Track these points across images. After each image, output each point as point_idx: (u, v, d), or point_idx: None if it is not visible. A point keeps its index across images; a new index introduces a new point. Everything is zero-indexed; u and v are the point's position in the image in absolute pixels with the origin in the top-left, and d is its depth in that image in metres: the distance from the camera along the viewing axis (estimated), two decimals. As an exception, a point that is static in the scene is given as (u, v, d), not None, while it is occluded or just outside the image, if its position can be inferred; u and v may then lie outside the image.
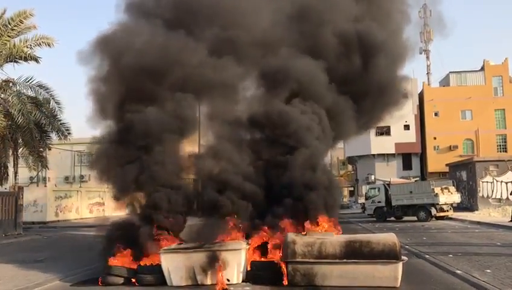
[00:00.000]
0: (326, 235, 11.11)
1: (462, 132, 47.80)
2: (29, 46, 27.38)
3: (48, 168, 32.56)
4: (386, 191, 32.11)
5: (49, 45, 27.75)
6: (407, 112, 46.37)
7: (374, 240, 10.65)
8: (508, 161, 36.50)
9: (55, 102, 27.97)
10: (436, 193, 29.39)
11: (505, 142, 47.77)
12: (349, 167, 61.16)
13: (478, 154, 44.80)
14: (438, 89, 51.68)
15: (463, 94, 47.95)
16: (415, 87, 48.91)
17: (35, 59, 27.74)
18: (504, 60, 48.79)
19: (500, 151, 46.65)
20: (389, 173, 45.94)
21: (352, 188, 59.72)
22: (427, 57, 54.55)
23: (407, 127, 49.14)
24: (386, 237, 10.86)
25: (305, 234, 11.29)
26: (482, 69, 49.24)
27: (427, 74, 54.61)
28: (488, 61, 49.04)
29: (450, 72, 50.67)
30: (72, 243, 22.32)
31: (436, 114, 49.00)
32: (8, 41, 26.78)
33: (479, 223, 26.93)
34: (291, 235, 11.14)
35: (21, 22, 26.96)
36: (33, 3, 62.65)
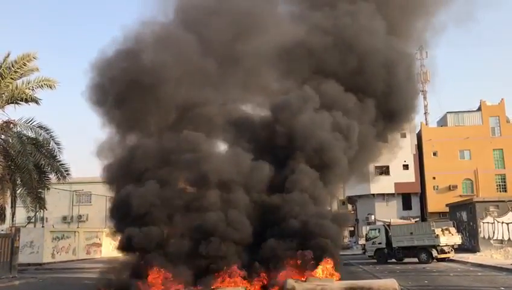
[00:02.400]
0: (327, 281, 10.98)
1: (461, 171, 47.82)
2: (31, 88, 27.77)
3: (46, 209, 32.37)
4: (387, 232, 31.81)
5: (50, 87, 28.17)
6: (406, 151, 46.68)
7: (375, 286, 10.52)
8: (509, 201, 36.34)
9: (55, 143, 28.14)
10: (437, 234, 29.12)
11: (504, 182, 47.71)
12: (349, 207, 60.77)
13: (478, 195, 44.67)
14: (436, 129, 52.05)
15: (461, 134, 48.26)
16: (413, 127, 49.25)
17: (36, 101, 28.08)
18: (500, 101, 49.38)
19: (500, 191, 46.52)
20: (389, 213, 45.64)
21: (352, 228, 59.15)
22: (424, 97, 55.06)
23: (406, 166, 49.17)
24: (386, 283, 10.74)
25: (305, 280, 11.14)
26: (479, 109, 49.72)
27: (425, 113, 55.01)
28: (484, 101, 49.59)
29: (447, 112, 51.18)
30: (67, 287, 21.93)
31: (434, 154, 49.16)
32: (11, 83, 27.17)
33: (481, 265, 26.54)
34: (290, 282, 11.00)
35: (24, 64, 27.45)
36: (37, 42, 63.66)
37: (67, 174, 28.85)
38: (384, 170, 48.98)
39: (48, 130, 27.91)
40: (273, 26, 19.16)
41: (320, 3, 21.53)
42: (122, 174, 16.47)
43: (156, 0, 24.45)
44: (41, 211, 33.30)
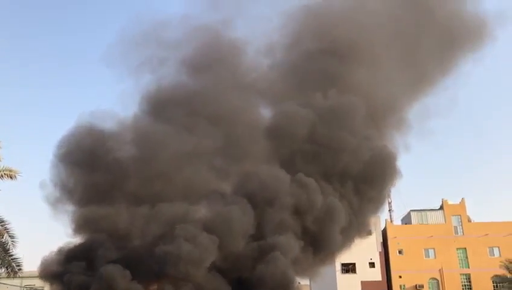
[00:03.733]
0: None
1: (426, 270, 47.64)
2: (-10, 178, 26.78)
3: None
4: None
5: (11, 177, 27.26)
6: (372, 249, 46.52)
7: None
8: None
9: (9, 236, 26.68)
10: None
11: (469, 281, 47.60)
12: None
13: (444, 295, 44.18)
14: (401, 226, 52.43)
15: (425, 232, 48.74)
16: (379, 224, 49.55)
17: (-6, 191, 26.98)
18: (461, 200, 50.65)
19: (466, 291, 46.24)
20: (356, 313, 44.30)
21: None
22: (388, 195, 56.02)
23: (372, 264, 48.70)
24: None
25: None
26: (441, 207, 50.74)
27: (389, 211, 55.58)
28: (446, 200, 50.81)
29: (411, 210, 51.95)
30: None
31: (400, 252, 49.11)
32: (-32, 171, 26.19)
33: None
34: None
35: (-15, 153, 26.68)
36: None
37: (19, 269, 27.09)
38: (351, 268, 48.29)
39: (2, 221, 26.59)
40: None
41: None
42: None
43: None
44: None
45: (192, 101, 20.96)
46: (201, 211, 19.01)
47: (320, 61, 23.30)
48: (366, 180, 21.29)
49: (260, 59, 26.08)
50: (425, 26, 27.36)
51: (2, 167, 27.60)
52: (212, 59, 23.48)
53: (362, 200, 21.83)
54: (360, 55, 24.71)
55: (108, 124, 23.07)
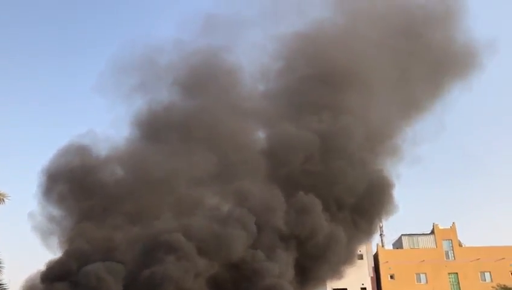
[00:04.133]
0: None
1: (418, 296, 47.28)
2: (-22, 201, 26.37)
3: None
4: None
5: (-1, 201, 26.82)
6: (364, 274, 46.16)
7: None
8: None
9: (-4, 261, 26.09)
10: None
11: (461, 307, 47.31)
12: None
13: (436, 321, 43.80)
14: (392, 251, 52.25)
15: (416, 257, 48.59)
16: (370, 248, 49.34)
17: (-18, 214, 26.60)
18: (452, 224, 50.72)
19: (458, 317, 45.93)
20: (348, 339, 43.70)
21: None
22: (379, 219, 55.97)
23: (364, 289, 48.23)
24: None
25: None
26: (432, 232, 50.73)
27: (381, 235, 55.44)
28: (437, 224, 50.86)
29: (402, 234, 51.87)
30: None
31: (392, 277, 48.80)
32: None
33: None
34: None
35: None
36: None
37: (6, 296, 26.44)
38: (343, 293, 47.77)
39: (-11, 245, 26.06)
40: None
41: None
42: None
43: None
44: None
45: (187, 124, 21.07)
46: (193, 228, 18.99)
47: (314, 86, 23.57)
48: (362, 210, 21.44)
49: (254, 83, 26.39)
50: (416, 53, 27.89)
51: (-10, 190, 27.28)
52: (205, 82, 23.68)
53: (357, 229, 21.90)
54: (353, 81, 25.05)
55: (99, 147, 23.12)
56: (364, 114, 24.37)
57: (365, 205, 21.61)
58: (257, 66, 27.74)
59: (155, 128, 21.94)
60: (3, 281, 26.68)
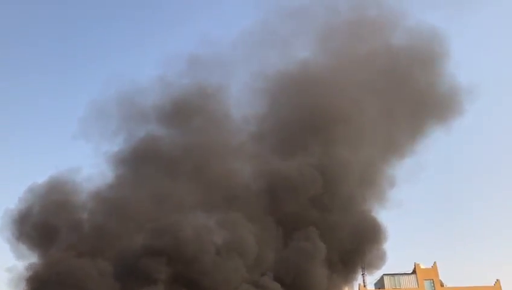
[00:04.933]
0: None
1: None
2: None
3: None
4: None
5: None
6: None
7: None
8: None
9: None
10: None
11: None
12: None
13: None
14: (374, 291, 51.65)
15: (398, 297, 48.00)
16: (352, 288, 48.62)
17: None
18: (433, 264, 50.54)
19: None
20: None
21: None
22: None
23: (346, 332, 47.24)
24: None
25: None
26: (414, 271, 50.42)
27: (362, 275, 54.77)
28: (418, 264, 50.58)
29: (384, 274, 51.32)
30: None
31: (374, 317, 48.01)
32: None
33: None
34: None
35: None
36: None
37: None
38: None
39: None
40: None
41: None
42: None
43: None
44: None
45: (174, 158, 20.92)
46: None
47: (299, 126, 23.73)
48: (351, 253, 21.37)
49: (240, 119, 26.41)
50: (399, 94, 28.35)
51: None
52: (191, 116, 23.65)
53: (344, 270, 21.75)
54: (337, 119, 25.27)
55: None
56: (351, 152, 24.55)
57: (355, 248, 21.49)
58: (243, 104, 27.87)
59: (140, 163, 21.67)
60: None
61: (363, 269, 54.69)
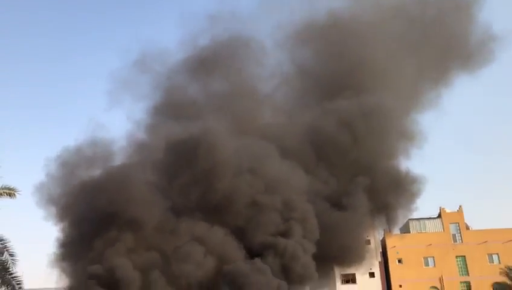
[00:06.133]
0: None
1: (426, 279, 47.59)
2: (-11, 195, 26.39)
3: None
4: None
5: (10, 195, 26.83)
6: (372, 258, 46.26)
7: None
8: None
9: (9, 254, 26.21)
10: None
11: (469, 289, 47.49)
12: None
13: (445, 303, 44.04)
14: (399, 236, 52.26)
15: (424, 241, 48.76)
16: (377, 233, 49.41)
17: (-7, 208, 26.59)
18: (459, 208, 50.71)
19: (466, 299, 46.20)
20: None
21: None
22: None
23: (372, 274, 48.51)
24: None
25: None
26: (439, 216, 50.75)
27: (388, 220, 55.44)
28: (444, 208, 50.85)
29: (409, 219, 51.75)
30: None
31: (399, 261, 49.04)
32: (-33, 188, 25.81)
33: None
34: None
35: (-16, 170, 26.32)
36: None
37: (19, 288, 26.61)
38: (351, 278, 48.02)
39: (2, 240, 26.15)
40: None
41: None
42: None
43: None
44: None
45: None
46: None
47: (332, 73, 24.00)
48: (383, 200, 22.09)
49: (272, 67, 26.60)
50: (428, 40, 27.49)
51: (1, 185, 27.29)
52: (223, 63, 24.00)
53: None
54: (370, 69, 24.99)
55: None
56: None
57: (387, 196, 21.86)
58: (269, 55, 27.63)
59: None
60: (17, 274, 26.94)
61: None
